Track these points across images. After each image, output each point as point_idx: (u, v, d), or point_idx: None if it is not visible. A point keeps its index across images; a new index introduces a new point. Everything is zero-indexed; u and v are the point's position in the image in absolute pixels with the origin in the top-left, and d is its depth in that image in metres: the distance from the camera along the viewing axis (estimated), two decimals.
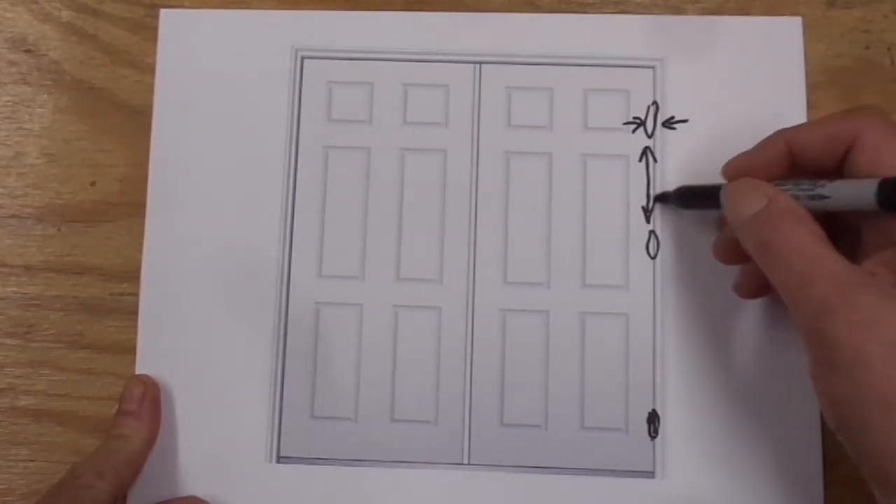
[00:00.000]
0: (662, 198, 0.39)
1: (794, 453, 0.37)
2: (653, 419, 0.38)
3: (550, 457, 0.38)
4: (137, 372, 0.39)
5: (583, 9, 0.41)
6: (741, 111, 0.39)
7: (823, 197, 0.31)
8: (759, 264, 0.30)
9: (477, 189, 0.40)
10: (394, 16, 0.41)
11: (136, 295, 0.39)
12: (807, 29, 0.40)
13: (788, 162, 0.33)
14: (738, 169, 0.35)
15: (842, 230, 0.32)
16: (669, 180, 0.39)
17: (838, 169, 0.32)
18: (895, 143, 0.31)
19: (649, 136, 0.40)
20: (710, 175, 0.39)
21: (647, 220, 0.39)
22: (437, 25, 0.41)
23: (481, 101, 0.40)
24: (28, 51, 0.41)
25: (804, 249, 0.29)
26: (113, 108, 0.41)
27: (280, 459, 0.38)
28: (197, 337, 0.39)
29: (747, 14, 0.40)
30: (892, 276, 0.30)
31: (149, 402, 0.38)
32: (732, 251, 0.34)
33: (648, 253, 0.39)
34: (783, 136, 0.33)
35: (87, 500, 0.34)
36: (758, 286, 0.35)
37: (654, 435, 0.38)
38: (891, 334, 0.26)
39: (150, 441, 0.37)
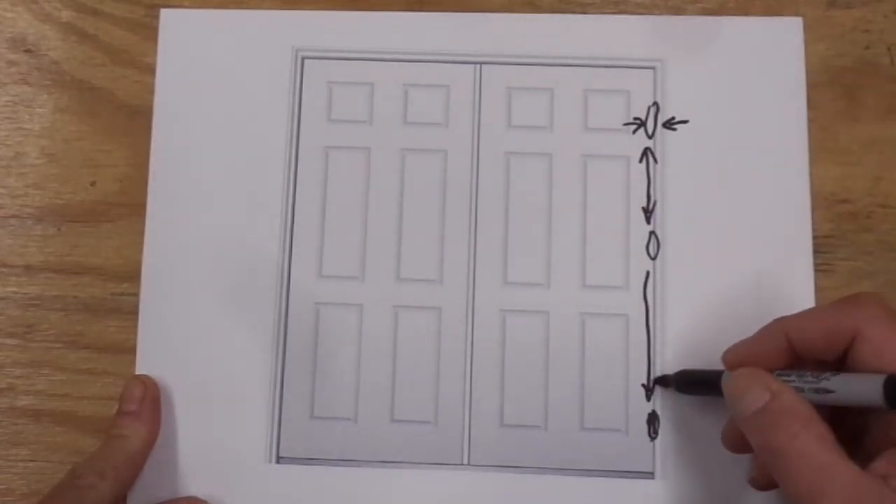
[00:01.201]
0: (662, 381, 0.38)
1: None
2: (653, 420, 0.38)
3: (550, 457, 0.38)
4: (137, 372, 0.39)
5: (583, 9, 0.41)
6: (741, 111, 0.39)
7: (828, 391, 0.30)
8: (765, 465, 0.29)
9: (477, 189, 0.40)
10: (394, 16, 0.41)
11: (136, 295, 0.39)
12: (807, 29, 0.40)
13: (788, 352, 0.32)
14: (738, 358, 0.34)
15: (848, 420, 0.31)
16: (670, 181, 0.39)
17: (841, 360, 0.31)
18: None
19: (650, 137, 0.40)
20: (710, 176, 0.39)
21: (647, 220, 0.39)
22: (437, 25, 0.41)
23: (481, 101, 0.40)
24: (28, 51, 0.41)
25: (812, 458, 0.27)
26: (113, 108, 0.41)
27: (280, 460, 0.38)
28: (197, 337, 0.39)
29: (747, 14, 0.40)
30: None
31: (149, 402, 0.38)
32: (742, 442, 0.32)
33: (648, 253, 0.39)
34: (782, 327, 0.32)
35: (88, 500, 0.34)
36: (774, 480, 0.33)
37: (653, 435, 0.38)
38: None
39: (151, 441, 0.37)
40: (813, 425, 0.28)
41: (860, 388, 0.29)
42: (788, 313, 0.33)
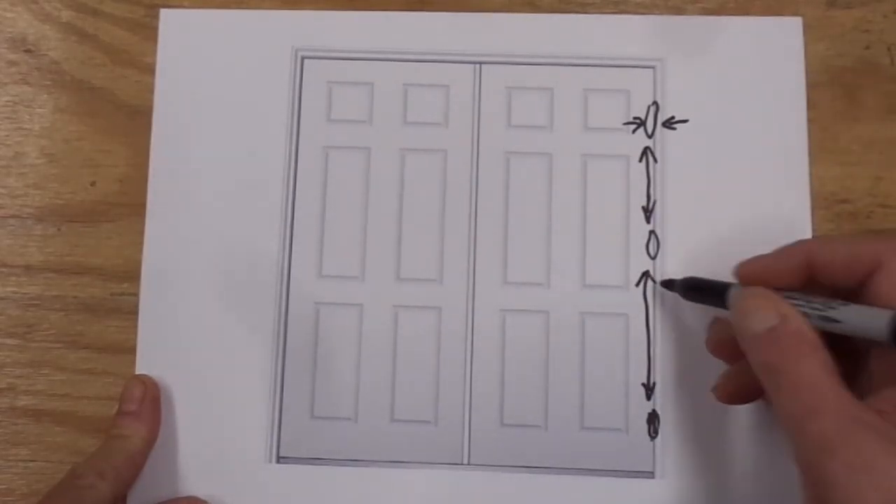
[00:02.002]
0: (668, 284, 0.38)
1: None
2: (653, 419, 0.38)
3: (550, 457, 0.38)
4: (137, 372, 0.39)
5: (583, 9, 0.41)
6: (741, 111, 0.39)
7: (834, 321, 0.30)
8: (763, 382, 0.29)
9: (477, 189, 0.40)
10: (394, 16, 0.41)
11: (136, 295, 0.39)
12: (807, 29, 0.40)
13: (806, 274, 0.32)
14: (754, 273, 0.33)
15: (852, 352, 0.31)
16: (669, 180, 0.39)
17: (856, 291, 0.31)
18: None
19: (649, 137, 0.40)
20: (710, 176, 0.39)
21: (647, 220, 0.39)
22: (437, 25, 0.41)
23: (481, 101, 0.40)
24: (28, 51, 0.41)
25: (813, 379, 0.28)
26: (113, 108, 0.41)
27: (280, 459, 0.38)
28: (197, 337, 0.39)
29: (747, 14, 0.40)
30: None
31: (149, 402, 0.38)
32: (727, 350, 0.33)
33: (648, 253, 0.39)
34: (805, 248, 0.32)
35: (88, 500, 0.34)
36: (740, 394, 0.34)
37: (654, 435, 0.38)
38: (889, 483, 0.25)
39: (151, 441, 0.37)
40: (819, 352, 0.28)
41: (867, 322, 0.29)
42: None
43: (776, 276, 0.33)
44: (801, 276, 0.32)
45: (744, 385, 0.34)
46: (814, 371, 0.28)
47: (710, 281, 0.36)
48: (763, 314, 0.30)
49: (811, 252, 0.32)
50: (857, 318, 0.30)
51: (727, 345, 0.33)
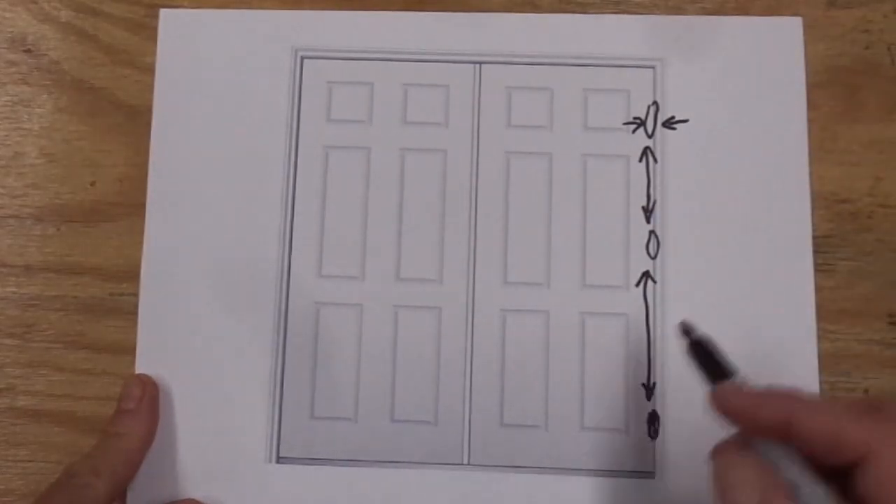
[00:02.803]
0: (686, 330, 0.33)
1: None
2: (653, 419, 0.38)
3: (550, 457, 0.38)
4: (137, 372, 0.39)
5: (583, 9, 0.41)
6: (741, 111, 0.39)
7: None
8: None
9: (477, 189, 0.40)
10: (394, 16, 0.41)
11: (136, 295, 0.39)
12: (807, 29, 0.40)
13: (785, 432, 0.28)
14: (733, 409, 0.30)
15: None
16: (670, 180, 0.39)
17: (837, 470, 0.27)
18: None
19: (649, 136, 0.40)
20: (710, 176, 0.39)
21: (647, 220, 0.39)
22: (437, 25, 0.41)
23: (481, 101, 0.40)
24: (28, 51, 0.41)
25: None
26: (113, 108, 0.41)
27: (280, 460, 0.38)
28: (197, 337, 0.39)
29: (747, 14, 0.40)
30: None
31: (147, 401, 0.37)
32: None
33: (648, 253, 0.39)
34: (790, 408, 0.28)
35: (83, 498, 0.34)
36: None
37: (654, 435, 0.38)
38: None
39: (148, 440, 0.37)
40: None
41: None
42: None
43: (756, 421, 0.29)
44: (782, 431, 0.28)
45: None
46: None
47: (720, 359, 0.32)
48: (742, 491, 0.28)
49: (795, 416, 0.28)
50: None
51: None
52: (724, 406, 0.31)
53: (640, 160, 0.40)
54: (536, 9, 0.41)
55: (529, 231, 0.39)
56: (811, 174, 0.39)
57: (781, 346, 0.38)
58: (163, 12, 0.41)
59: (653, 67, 0.40)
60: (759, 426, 0.29)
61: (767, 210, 0.39)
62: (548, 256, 0.39)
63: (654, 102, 0.40)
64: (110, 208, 0.40)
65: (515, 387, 0.38)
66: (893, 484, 0.25)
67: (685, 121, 0.39)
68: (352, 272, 0.39)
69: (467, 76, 0.40)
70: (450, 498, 0.38)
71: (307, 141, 0.40)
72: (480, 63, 0.40)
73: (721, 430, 0.37)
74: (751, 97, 0.39)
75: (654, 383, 0.38)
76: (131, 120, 0.41)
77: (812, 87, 0.40)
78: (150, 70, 0.41)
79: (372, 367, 0.39)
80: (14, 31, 0.42)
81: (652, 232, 0.39)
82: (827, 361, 0.38)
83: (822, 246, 0.39)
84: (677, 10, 0.41)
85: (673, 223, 0.39)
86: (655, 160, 0.39)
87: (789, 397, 0.28)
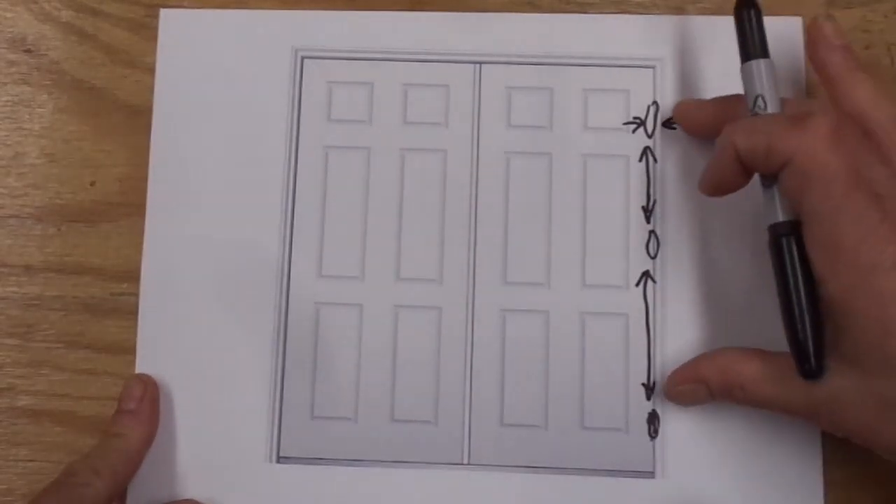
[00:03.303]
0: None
1: (794, 453, 0.37)
2: (653, 419, 0.38)
3: (550, 457, 0.38)
4: (137, 372, 0.39)
5: (583, 9, 0.41)
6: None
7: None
8: None
9: (477, 189, 0.40)
10: (394, 16, 0.41)
11: (136, 295, 0.39)
12: (807, 29, 0.40)
13: (742, 169, 0.33)
14: (691, 119, 0.38)
15: None
16: (669, 180, 0.39)
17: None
18: (817, 180, 0.30)
19: (649, 136, 0.40)
20: None
21: (647, 220, 0.39)
22: (437, 25, 0.41)
23: (481, 101, 0.40)
24: (28, 51, 0.41)
25: None
26: (113, 108, 0.41)
27: (280, 459, 0.38)
28: (197, 337, 0.39)
29: None
30: None
31: (148, 401, 0.38)
32: (724, 184, 0.35)
33: (648, 253, 0.39)
34: (732, 144, 0.33)
35: (83, 498, 0.34)
36: (721, 186, 0.35)
37: (654, 435, 0.38)
38: None
39: (148, 440, 0.37)
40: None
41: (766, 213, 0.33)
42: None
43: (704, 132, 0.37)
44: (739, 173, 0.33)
45: (723, 177, 0.34)
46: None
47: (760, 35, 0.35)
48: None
49: (735, 146, 0.32)
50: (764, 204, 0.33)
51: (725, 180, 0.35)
52: (683, 117, 0.38)
53: (640, 160, 0.40)
54: (536, 9, 0.41)
55: (529, 231, 0.39)
56: None
57: (783, 346, 0.38)
58: (163, 12, 0.41)
59: (653, 67, 0.40)
60: (709, 134, 0.36)
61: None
62: (548, 256, 0.39)
63: (654, 102, 0.40)
64: (110, 208, 0.40)
65: (515, 387, 0.38)
66: (804, 175, 0.30)
67: None
68: (352, 272, 0.39)
69: (467, 76, 0.40)
70: (450, 498, 0.38)
71: (307, 141, 0.40)
72: (480, 63, 0.40)
73: (721, 429, 0.37)
74: None
75: (654, 383, 0.38)
76: (131, 120, 0.41)
77: (812, 87, 0.40)
78: (150, 70, 0.41)
79: (372, 367, 0.39)
80: (14, 31, 0.42)
81: (652, 232, 0.39)
82: None
83: None
84: (677, 10, 0.41)
85: (673, 223, 0.39)
86: (655, 160, 0.39)
87: (728, 132, 0.33)
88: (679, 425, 0.38)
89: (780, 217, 0.32)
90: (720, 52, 0.40)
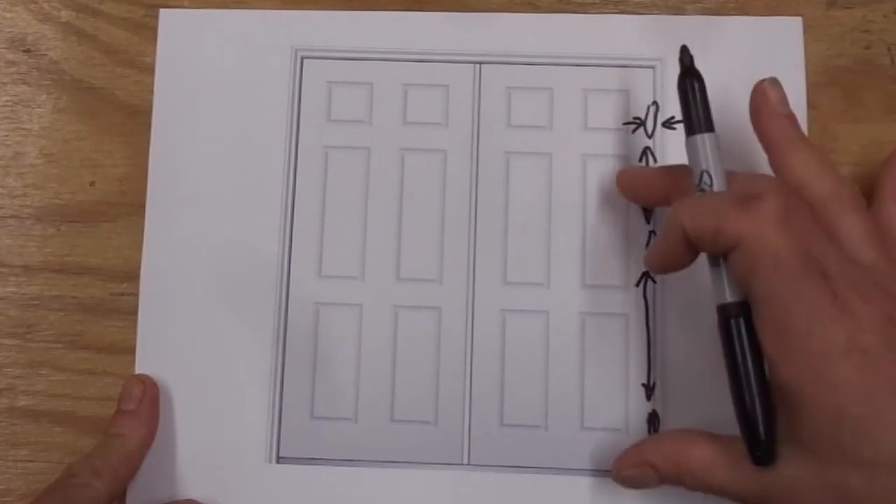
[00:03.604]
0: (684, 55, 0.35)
1: None
2: (653, 419, 0.38)
3: (550, 457, 0.38)
4: (137, 372, 0.39)
5: (583, 9, 0.41)
6: (741, 111, 0.39)
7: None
8: None
9: (477, 189, 0.40)
10: (394, 16, 0.41)
11: (136, 295, 0.39)
12: (807, 29, 0.40)
13: (690, 248, 0.32)
14: (635, 187, 0.37)
15: None
16: None
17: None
18: (767, 265, 0.29)
19: (649, 137, 0.40)
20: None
21: (647, 220, 0.39)
22: (437, 25, 0.41)
23: (481, 101, 0.40)
24: (27, 51, 0.41)
25: None
26: (113, 108, 0.41)
27: (280, 459, 0.38)
28: (197, 337, 0.39)
29: (747, 14, 0.40)
30: None
31: (148, 401, 0.38)
32: (634, 192, 0.37)
33: None
34: (679, 225, 0.31)
35: (83, 499, 0.34)
36: (665, 263, 0.34)
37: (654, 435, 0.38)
38: None
39: (148, 441, 0.37)
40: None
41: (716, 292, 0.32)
42: None
43: (646, 201, 0.37)
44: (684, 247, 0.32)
45: (671, 255, 0.33)
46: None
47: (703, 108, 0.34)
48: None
49: (684, 227, 0.31)
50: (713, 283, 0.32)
51: (637, 189, 0.36)
52: (626, 185, 0.38)
53: (640, 160, 0.40)
54: (536, 9, 0.41)
55: (529, 231, 0.39)
56: None
57: None
58: (163, 12, 0.41)
59: (653, 67, 0.40)
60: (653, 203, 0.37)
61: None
62: (548, 256, 0.39)
63: (654, 102, 0.40)
64: (110, 208, 0.40)
65: (515, 387, 0.38)
66: (753, 259, 0.29)
67: None
68: (352, 272, 0.39)
69: (467, 76, 0.40)
70: (450, 498, 0.38)
71: (307, 141, 0.40)
72: (480, 63, 0.40)
73: (720, 429, 0.37)
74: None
75: (654, 383, 0.38)
76: (131, 120, 0.41)
77: (812, 87, 0.40)
78: (150, 70, 0.41)
79: (372, 367, 0.39)
80: (14, 31, 0.42)
81: (652, 232, 0.39)
82: None
83: None
84: (677, 10, 0.41)
85: None
86: (655, 160, 0.39)
87: (675, 211, 0.32)
88: (679, 425, 0.38)
89: (729, 298, 0.31)
90: (720, 52, 0.40)
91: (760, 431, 0.30)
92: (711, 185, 0.32)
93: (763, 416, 0.30)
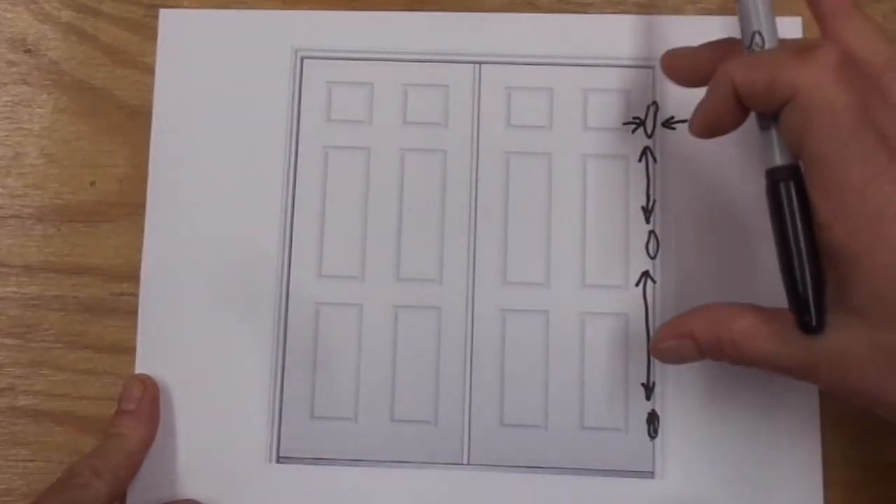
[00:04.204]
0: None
1: (795, 453, 0.37)
2: (652, 419, 0.38)
3: (550, 457, 0.38)
4: (137, 372, 0.39)
5: (583, 9, 0.41)
6: None
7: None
8: None
9: (477, 189, 0.40)
10: (394, 16, 0.41)
11: (136, 295, 0.39)
12: (807, 29, 0.40)
13: (739, 107, 0.30)
14: (699, 123, 0.33)
15: None
16: (670, 180, 0.39)
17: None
18: (823, 116, 0.27)
19: (649, 136, 0.40)
20: (710, 175, 0.39)
21: (647, 220, 0.39)
22: (437, 25, 0.41)
23: (481, 101, 0.40)
24: (28, 51, 0.41)
25: None
26: (113, 108, 0.41)
27: (280, 459, 0.38)
28: (197, 337, 0.39)
29: None
30: None
31: (148, 401, 0.38)
32: (683, 73, 0.34)
33: (648, 253, 0.39)
34: (730, 80, 0.30)
35: (84, 499, 0.34)
36: (712, 127, 0.33)
37: (653, 435, 0.38)
38: None
39: (149, 441, 0.37)
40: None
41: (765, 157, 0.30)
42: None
43: (718, 124, 0.32)
44: (737, 111, 0.31)
45: (718, 116, 0.32)
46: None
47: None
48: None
49: (735, 81, 0.30)
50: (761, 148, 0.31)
51: (684, 69, 0.34)
52: (671, 66, 0.35)
53: (640, 160, 0.40)
54: (536, 9, 0.41)
55: (529, 231, 0.39)
56: None
57: None
58: (163, 12, 0.41)
59: (653, 67, 0.40)
60: (701, 82, 0.33)
61: (767, 209, 0.39)
62: (548, 256, 0.39)
63: (654, 102, 0.40)
64: (110, 208, 0.40)
65: (515, 387, 0.38)
66: (809, 111, 0.28)
67: (684, 121, 0.39)
68: (352, 272, 0.39)
69: (467, 76, 0.40)
70: (450, 498, 0.38)
71: (307, 141, 0.40)
72: (480, 63, 0.40)
73: (721, 429, 0.38)
74: None
75: (654, 383, 0.38)
76: (131, 120, 0.41)
77: None
78: (150, 70, 0.41)
79: (372, 367, 0.39)
80: (14, 31, 0.42)
81: (652, 232, 0.39)
82: None
83: None
84: (677, 10, 0.41)
85: (673, 223, 0.39)
86: (655, 160, 0.39)
87: (725, 71, 0.30)
88: (679, 425, 0.38)
89: (779, 161, 0.30)
90: None
91: (809, 298, 0.29)
92: (763, 45, 0.30)
93: (812, 281, 0.29)
